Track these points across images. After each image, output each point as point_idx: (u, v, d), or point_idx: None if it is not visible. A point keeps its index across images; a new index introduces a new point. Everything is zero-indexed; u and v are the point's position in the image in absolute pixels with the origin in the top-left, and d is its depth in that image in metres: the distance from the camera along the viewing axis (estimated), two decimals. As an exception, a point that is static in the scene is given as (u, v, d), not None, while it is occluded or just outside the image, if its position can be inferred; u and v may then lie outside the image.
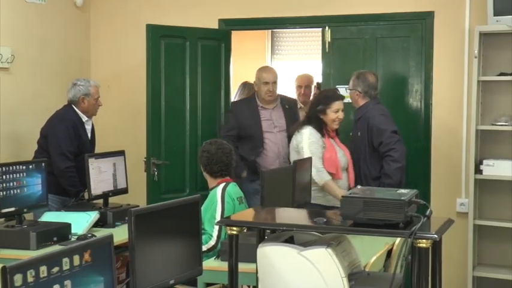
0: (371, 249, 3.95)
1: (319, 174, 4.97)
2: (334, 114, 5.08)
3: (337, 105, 5.09)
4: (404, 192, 3.22)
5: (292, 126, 5.43)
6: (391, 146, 5.08)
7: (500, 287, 5.34)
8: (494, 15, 5.12)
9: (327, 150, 5.06)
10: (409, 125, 5.63)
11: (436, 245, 3.23)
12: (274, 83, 5.77)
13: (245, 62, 7.71)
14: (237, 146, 5.59)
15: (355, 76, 5.33)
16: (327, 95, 5.20)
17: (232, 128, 5.82)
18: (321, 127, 5.10)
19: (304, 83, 6.98)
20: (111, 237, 2.36)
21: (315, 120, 5.11)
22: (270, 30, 8.29)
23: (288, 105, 5.88)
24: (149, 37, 5.76)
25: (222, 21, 6.25)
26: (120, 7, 6.56)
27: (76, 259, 2.14)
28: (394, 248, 4.04)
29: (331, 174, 5.03)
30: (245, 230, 4.02)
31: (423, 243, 2.97)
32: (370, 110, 5.20)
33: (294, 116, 5.84)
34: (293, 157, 5.14)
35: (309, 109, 5.25)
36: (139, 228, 2.71)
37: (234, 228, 3.25)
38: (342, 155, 5.13)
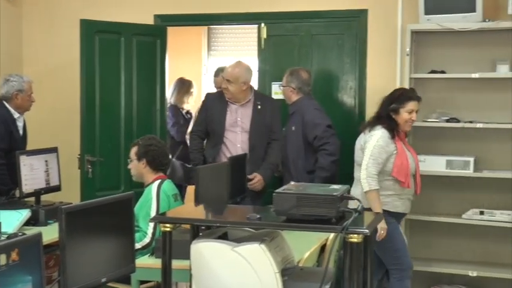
0: (305, 245, 3.99)
1: (368, 180, 4.57)
2: (407, 114, 4.70)
3: (412, 105, 4.71)
4: (337, 188, 3.26)
5: (363, 123, 4.98)
6: (326, 139, 5.18)
7: (431, 279, 5.46)
8: (425, 14, 5.23)
9: (398, 156, 4.66)
10: (343, 122, 5.70)
11: (368, 240, 3.29)
12: (229, 80, 5.29)
13: (181, 58, 7.68)
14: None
15: (288, 73, 5.40)
16: (402, 93, 4.81)
17: (201, 122, 5.45)
18: (392, 128, 4.71)
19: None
20: (39, 235, 2.33)
21: (387, 120, 4.73)
22: (206, 27, 8.26)
23: (261, 105, 5.32)
24: (83, 32, 5.68)
25: (157, 17, 6.21)
26: (53, 1, 6.46)
27: (3, 258, 2.10)
28: (327, 243, 4.10)
29: (399, 182, 4.67)
30: (180, 227, 4.02)
31: (355, 238, 3.02)
32: (305, 105, 5.27)
33: (267, 118, 5.30)
34: (358, 156, 4.78)
35: (381, 107, 4.82)
36: (71, 226, 2.67)
37: (168, 225, 3.24)
38: (412, 161, 4.75)
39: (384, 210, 4.49)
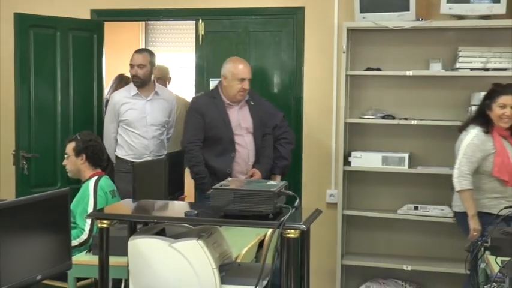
0: (243, 241, 4.01)
1: (460, 179, 4.53)
2: (500, 109, 4.57)
3: (504, 99, 4.58)
4: (274, 184, 3.29)
5: (462, 123, 4.85)
6: (285, 129, 5.24)
7: (367, 274, 5.55)
8: (361, 12, 5.30)
9: (497, 154, 4.56)
10: (280, 118, 5.72)
11: (304, 235, 3.33)
12: (250, 79, 5.08)
13: (119, 54, 7.59)
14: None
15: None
16: (494, 89, 4.69)
17: (198, 131, 5.00)
18: (487, 125, 4.61)
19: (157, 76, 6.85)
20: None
21: (480, 117, 4.66)
22: (144, 22, 8.20)
23: (253, 102, 5.15)
24: (17, 26, 5.56)
25: (94, 12, 6.13)
26: (-14, -6, 6.30)
27: None
28: (266, 239, 4.12)
29: (502, 181, 4.57)
30: (117, 223, 4.00)
31: (291, 234, 3.05)
32: (256, 96, 5.25)
33: (261, 114, 5.17)
34: None
35: (479, 104, 4.76)
36: (4, 223, 2.63)
37: (105, 221, 3.22)
38: None
39: (489, 213, 4.41)
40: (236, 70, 5.02)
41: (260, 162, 5.12)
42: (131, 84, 5.65)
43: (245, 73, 5.01)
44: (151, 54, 5.65)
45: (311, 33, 5.73)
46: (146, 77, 5.54)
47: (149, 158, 5.39)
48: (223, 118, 4.99)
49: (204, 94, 5.38)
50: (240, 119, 5.06)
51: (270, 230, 3.96)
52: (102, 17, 6.14)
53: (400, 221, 5.43)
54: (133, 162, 4.98)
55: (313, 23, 5.72)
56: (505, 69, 5.16)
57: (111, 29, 6.41)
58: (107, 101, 6.43)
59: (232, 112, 5.05)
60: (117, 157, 5.58)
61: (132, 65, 5.56)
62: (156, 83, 5.71)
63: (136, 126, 5.51)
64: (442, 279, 5.42)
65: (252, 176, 5.03)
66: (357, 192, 5.60)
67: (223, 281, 3.20)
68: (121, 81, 6.66)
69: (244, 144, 5.05)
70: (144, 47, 8.45)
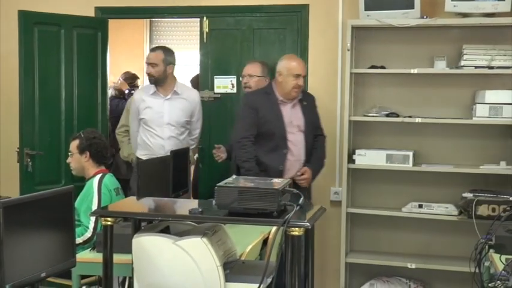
0: (247, 238, 4.01)
1: None
2: None
3: None
4: (278, 182, 3.29)
5: None
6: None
7: (371, 272, 5.54)
8: (365, 10, 5.29)
9: None
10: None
11: (309, 233, 3.33)
12: (305, 76, 5.09)
13: (123, 51, 7.62)
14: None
15: (261, 64, 5.40)
16: None
17: (251, 126, 4.93)
18: None
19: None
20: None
21: None
22: (148, 20, 8.21)
23: (306, 101, 5.09)
24: (21, 24, 5.57)
25: (98, 9, 6.13)
26: (-10, -8, 6.31)
27: None
28: (270, 236, 4.12)
29: None
30: (122, 221, 4.00)
31: (296, 231, 3.05)
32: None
33: (313, 114, 5.14)
34: None
35: None
36: (8, 220, 2.63)
37: (109, 218, 3.22)
38: None
39: None
40: (291, 66, 4.97)
41: (311, 162, 5.03)
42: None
43: (300, 69, 4.97)
44: (166, 52, 5.49)
45: (315, 31, 5.73)
46: (160, 75, 5.41)
47: None
48: (276, 113, 4.93)
49: (257, 90, 5.20)
50: (292, 117, 4.98)
51: (274, 228, 3.95)
52: (106, 14, 6.15)
53: (404, 219, 5.42)
54: None
55: (317, 21, 5.71)
56: (509, 67, 5.14)
57: (115, 27, 6.41)
58: (112, 96, 6.46)
59: (285, 109, 4.98)
60: (136, 157, 5.46)
61: (146, 63, 5.53)
62: (178, 82, 5.56)
63: (153, 125, 5.41)
64: (446, 277, 5.41)
65: (302, 174, 4.96)
66: (362, 190, 5.59)
67: (227, 279, 3.20)
68: (127, 78, 6.72)
69: (296, 142, 4.97)
70: (148, 44, 8.48)
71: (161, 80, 5.44)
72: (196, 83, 6.54)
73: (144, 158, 5.25)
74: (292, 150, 4.94)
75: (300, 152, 4.97)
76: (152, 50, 5.67)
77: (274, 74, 5.16)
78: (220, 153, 5.37)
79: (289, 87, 4.94)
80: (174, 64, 5.51)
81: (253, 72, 5.33)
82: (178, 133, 5.44)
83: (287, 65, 4.99)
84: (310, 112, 5.09)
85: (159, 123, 5.40)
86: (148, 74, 5.47)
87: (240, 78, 5.50)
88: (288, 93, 4.96)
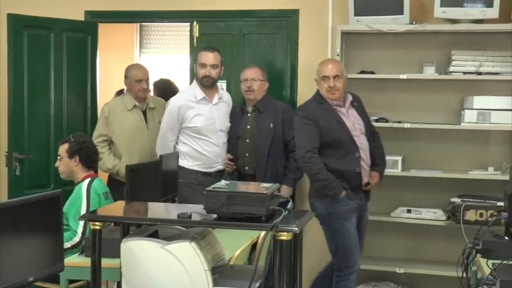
0: (236, 243, 4.01)
1: None
2: None
3: None
4: (267, 186, 3.30)
5: None
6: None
7: (360, 276, 5.54)
8: (355, 16, 5.32)
9: None
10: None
11: (297, 237, 3.34)
12: (337, 76, 4.77)
13: (113, 55, 7.60)
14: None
15: (259, 68, 5.37)
16: None
17: (315, 137, 4.69)
18: None
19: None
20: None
21: None
22: (138, 24, 8.20)
23: (356, 103, 4.91)
24: (10, 27, 5.56)
25: (88, 13, 6.13)
26: (-21, -5, 6.30)
27: None
28: (259, 241, 4.13)
29: None
30: (111, 225, 4.00)
31: (284, 236, 3.07)
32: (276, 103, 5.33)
33: (365, 114, 4.98)
34: None
35: None
36: (-4, 225, 2.63)
37: (97, 223, 3.22)
38: None
39: None
40: (319, 69, 4.85)
41: (378, 165, 4.91)
42: (193, 86, 5.27)
43: (327, 71, 4.77)
44: (220, 53, 5.25)
45: (305, 36, 5.74)
46: (217, 78, 5.21)
47: (221, 167, 5.22)
48: (337, 120, 4.75)
49: (308, 101, 4.94)
50: (353, 120, 4.81)
51: (263, 233, 3.96)
52: (96, 18, 6.14)
53: (393, 223, 5.44)
54: (203, 172, 5.08)
55: (307, 26, 5.73)
56: (497, 73, 5.19)
57: (105, 31, 6.40)
58: None
59: (342, 114, 4.80)
60: (182, 167, 5.00)
61: (203, 64, 5.15)
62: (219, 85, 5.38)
63: (206, 133, 5.15)
64: (434, 281, 5.43)
65: (373, 178, 4.87)
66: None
67: (215, 283, 3.20)
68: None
69: (363, 146, 4.78)
70: (138, 48, 8.46)
71: (214, 84, 5.24)
72: (159, 87, 6.56)
73: (197, 168, 5.12)
74: (362, 155, 4.74)
75: (367, 155, 4.80)
76: (209, 50, 5.22)
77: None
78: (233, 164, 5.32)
79: (324, 91, 4.78)
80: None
81: (256, 76, 5.31)
82: (226, 139, 5.27)
83: (317, 69, 4.87)
84: (363, 112, 4.94)
85: (212, 130, 5.16)
86: (207, 76, 5.14)
87: (241, 82, 5.38)
88: (327, 98, 4.77)
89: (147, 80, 5.54)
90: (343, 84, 4.80)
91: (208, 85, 5.15)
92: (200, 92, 5.16)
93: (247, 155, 5.31)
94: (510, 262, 3.10)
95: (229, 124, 5.34)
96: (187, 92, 5.30)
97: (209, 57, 5.14)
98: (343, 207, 4.66)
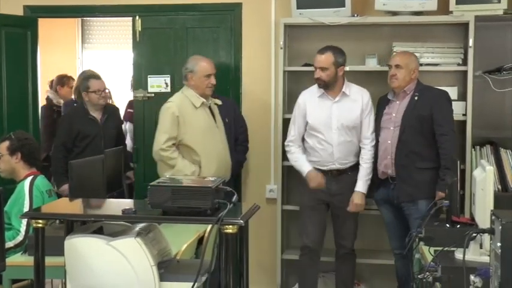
0: (182, 237, 4.00)
1: None
2: None
3: None
4: (212, 180, 3.30)
5: None
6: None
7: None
8: (298, 8, 5.34)
9: None
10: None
11: (243, 230, 3.35)
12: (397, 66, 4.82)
13: (54, 51, 7.50)
14: None
15: None
16: None
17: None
18: None
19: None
20: None
21: None
22: (80, 19, 8.10)
23: (418, 96, 4.78)
24: None
25: (27, 8, 6.01)
26: None
27: None
28: (205, 235, 4.12)
29: None
30: (55, 223, 3.95)
31: (230, 229, 3.08)
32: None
33: (425, 110, 4.76)
34: None
35: None
36: None
37: (40, 221, 3.18)
38: None
39: None
40: None
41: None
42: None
43: (390, 60, 4.95)
44: (335, 53, 4.92)
45: (249, 30, 5.75)
46: (331, 79, 4.89)
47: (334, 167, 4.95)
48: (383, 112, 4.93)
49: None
50: (393, 113, 4.84)
51: (209, 226, 3.96)
52: (35, 13, 6.03)
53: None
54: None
55: (250, 19, 5.74)
56: (437, 64, 5.28)
57: (46, 26, 6.30)
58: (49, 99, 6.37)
59: (391, 106, 4.89)
60: None
61: (314, 67, 4.95)
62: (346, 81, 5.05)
63: (321, 130, 4.94)
64: (380, 270, 5.51)
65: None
66: (295, 187, 5.63)
67: (162, 278, 3.19)
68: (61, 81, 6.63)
69: (384, 139, 4.90)
70: (80, 43, 8.36)
71: (331, 84, 4.94)
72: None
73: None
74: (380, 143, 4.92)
75: (386, 147, 4.84)
76: (320, 51, 4.94)
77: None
78: None
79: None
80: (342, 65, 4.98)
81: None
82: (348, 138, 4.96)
83: None
84: (422, 107, 4.78)
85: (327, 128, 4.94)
86: (318, 79, 4.92)
87: (202, 77, 4.98)
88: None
89: (215, 75, 5.03)
90: (403, 74, 4.79)
91: (321, 87, 4.95)
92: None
93: None
94: (451, 249, 3.16)
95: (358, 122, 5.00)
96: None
97: (318, 60, 4.91)
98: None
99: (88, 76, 5.77)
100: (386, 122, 4.85)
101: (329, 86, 4.93)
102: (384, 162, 4.83)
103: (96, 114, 5.52)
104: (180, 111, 4.79)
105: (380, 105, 5.01)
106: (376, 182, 4.93)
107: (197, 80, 4.90)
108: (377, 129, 4.91)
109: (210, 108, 4.98)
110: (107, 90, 5.61)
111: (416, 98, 4.78)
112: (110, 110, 5.66)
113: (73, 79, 6.99)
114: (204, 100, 4.90)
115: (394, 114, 4.81)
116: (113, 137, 5.54)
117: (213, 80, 4.93)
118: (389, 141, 4.80)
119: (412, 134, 4.74)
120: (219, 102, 5.11)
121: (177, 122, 4.78)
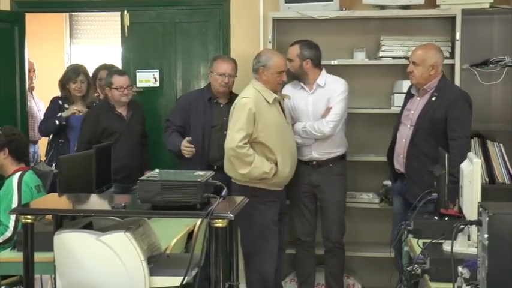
0: (172, 232, 4.01)
1: None
2: None
3: None
4: (201, 174, 3.31)
5: None
6: None
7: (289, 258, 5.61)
8: (286, 3, 5.35)
9: None
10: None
11: (233, 224, 3.36)
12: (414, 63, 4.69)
13: (42, 46, 7.47)
14: None
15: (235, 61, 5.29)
16: None
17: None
18: None
19: None
20: None
21: None
22: (67, 13, 8.07)
23: (437, 97, 4.61)
24: None
25: (14, 3, 5.98)
26: None
27: None
28: (195, 229, 4.13)
29: None
30: (44, 218, 3.94)
31: (219, 223, 3.09)
32: None
33: (440, 112, 4.59)
34: None
35: None
36: None
37: (29, 216, 3.17)
38: None
39: None
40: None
41: None
42: None
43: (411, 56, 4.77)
44: (302, 46, 5.01)
45: (237, 24, 5.75)
46: (296, 70, 4.98)
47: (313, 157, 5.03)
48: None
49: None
50: (412, 110, 4.73)
51: (199, 221, 3.97)
52: (23, 8, 6.01)
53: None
54: None
55: (239, 14, 5.73)
56: (425, 58, 5.30)
57: (33, 20, 6.27)
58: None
59: (412, 102, 4.77)
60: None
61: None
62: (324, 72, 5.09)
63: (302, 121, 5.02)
64: (370, 263, 5.53)
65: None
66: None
67: (152, 273, 3.20)
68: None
69: (400, 137, 4.80)
70: (68, 38, 8.32)
71: (300, 76, 5.04)
72: None
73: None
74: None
75: (401, 145, 4.77)
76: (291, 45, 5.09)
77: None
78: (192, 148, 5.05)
79: None
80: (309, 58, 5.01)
81: (232, 72, 5.20)
82: None
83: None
84: (438, 108, 4.62)
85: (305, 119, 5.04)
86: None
87: (211, 73, 5.20)
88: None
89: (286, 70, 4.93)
90: (421, 72, 4.62)
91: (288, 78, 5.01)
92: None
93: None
94: (439, 241, 3.18)
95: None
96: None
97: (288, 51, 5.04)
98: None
99: (112, 72, 5.46)
100: (405, 118, 4.75)
101: (298, 78, 5.05)
102: (398, 160, 4.78)
103: (122, 110, 5.35)
104: (257, 107, 4.64)
105: (406, 97, 4.88)
106: (393, 174, 4.88)
107: (269, 76, 4.75)
108: (398, 123, 4.83)
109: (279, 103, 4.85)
110: (130, 88, 5.37)
111: (434, 98, 4.60)
112: (135, 106, 5.48)
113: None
114: (276, 95, 4.76)
115: (412, 112, 4.69)
116: (138, 133, 5.42)
117: (284, 77, 4.81)
118: (403, 140, 4.71)
119: (425, 136, 4.61)
120: (289, 97, 4.98)
121: (253, 118, 4.61)
